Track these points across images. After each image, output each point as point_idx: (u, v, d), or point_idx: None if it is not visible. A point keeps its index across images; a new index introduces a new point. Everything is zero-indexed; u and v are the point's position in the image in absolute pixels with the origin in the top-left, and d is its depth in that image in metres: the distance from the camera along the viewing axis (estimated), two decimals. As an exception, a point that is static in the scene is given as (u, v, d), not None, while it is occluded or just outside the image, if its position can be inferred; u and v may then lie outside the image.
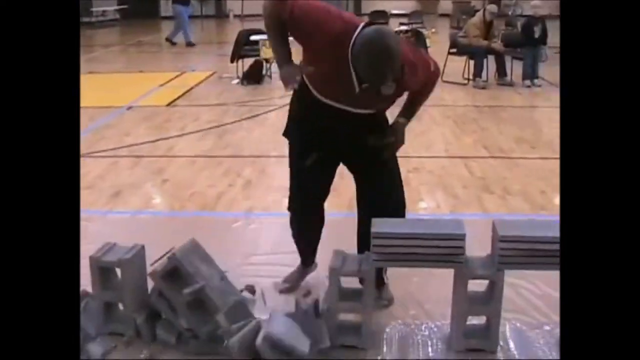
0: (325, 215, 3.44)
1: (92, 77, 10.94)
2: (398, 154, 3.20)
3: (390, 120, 3.15)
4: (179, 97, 9.31)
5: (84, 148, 6.17)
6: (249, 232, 4.39)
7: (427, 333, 3.08)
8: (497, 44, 9.96)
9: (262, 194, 5.17)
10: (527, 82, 9.85)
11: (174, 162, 6.12)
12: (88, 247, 2.98)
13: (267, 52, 9.84)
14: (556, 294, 3.25)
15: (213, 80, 10.68)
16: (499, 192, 5.18)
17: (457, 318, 2.93)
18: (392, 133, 3.09)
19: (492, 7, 10.30)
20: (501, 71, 10.10)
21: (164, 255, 2.94)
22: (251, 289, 3.17)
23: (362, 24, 2.79)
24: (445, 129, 7.11)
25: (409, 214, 3.34)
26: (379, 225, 2.85)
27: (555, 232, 2.79)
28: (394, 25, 15.12)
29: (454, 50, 10.21)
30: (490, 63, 10.07)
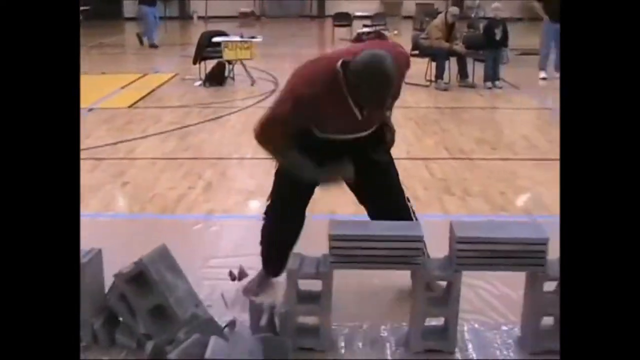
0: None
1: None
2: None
3: None
4: (141, 99, 9.21)
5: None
6: (209, 234, 4.37)
7: (385, 334, 3.09)
8: (459, 46, 10.04)
9: (222, 197, 5.15)
10: (489, 83, 9.94)
11: (135, 165, 6.06)
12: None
13: (229, 53, 9.80)
14: (514, 294, 3.30)
15: (176, 82, 10.59)
16: (460, 194, 5.23)
17: (415, 319, 2.95)
18: (390, 136, 3.27)
19: (454, 10, 10.43)
20: (463, 73, 10.18)
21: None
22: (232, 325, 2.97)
23: (340, 60, 2.81)
24: (406, 130, 7.14)
25: (365, 216, 3.37)
26: (336, 227, 2.85)
27: (513, 233, 2.83)
28: (357, 27, 15.21)
29: (416, 52, 10.25)
30: (452, 65, 10.14)
